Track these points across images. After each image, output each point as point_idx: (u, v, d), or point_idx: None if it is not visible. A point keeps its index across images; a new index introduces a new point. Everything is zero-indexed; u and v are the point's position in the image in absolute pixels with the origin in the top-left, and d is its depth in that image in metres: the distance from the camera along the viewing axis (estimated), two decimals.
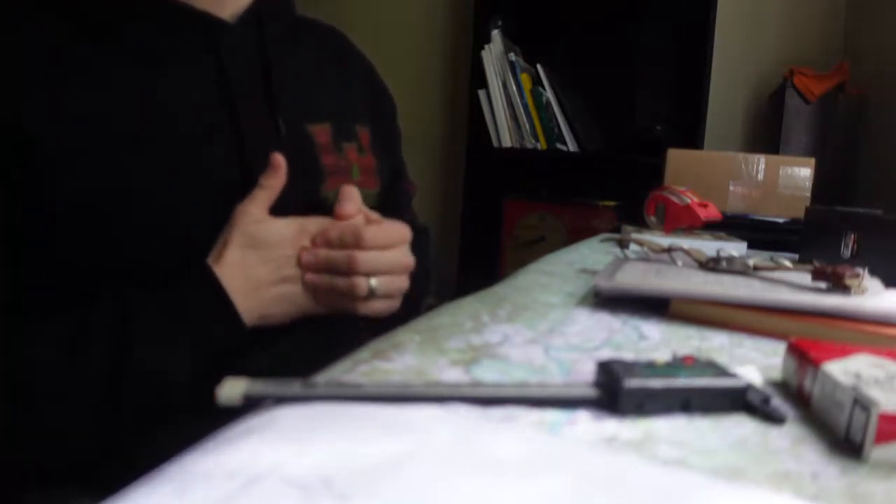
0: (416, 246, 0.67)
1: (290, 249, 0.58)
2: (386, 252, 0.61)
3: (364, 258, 0.59)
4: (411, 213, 0.87)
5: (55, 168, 0.53)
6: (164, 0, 0.60)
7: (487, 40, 2.03)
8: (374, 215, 0.63)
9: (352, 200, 0.61)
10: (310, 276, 0.59)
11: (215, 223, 0.58)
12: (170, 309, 0.53)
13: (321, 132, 0.68)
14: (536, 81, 2.03)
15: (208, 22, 0.62)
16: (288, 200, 0.61)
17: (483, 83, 2.04)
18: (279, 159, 0.58)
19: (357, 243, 0.59)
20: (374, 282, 0.60)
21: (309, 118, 0.67)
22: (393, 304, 0.64)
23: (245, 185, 0.59)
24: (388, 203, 0.74)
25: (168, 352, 0.52)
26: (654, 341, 0.48)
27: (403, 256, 0.63)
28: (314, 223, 0.59)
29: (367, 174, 0.72)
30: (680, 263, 0.70)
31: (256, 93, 0.64)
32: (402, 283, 0.63)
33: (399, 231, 0.63)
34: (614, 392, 0.34)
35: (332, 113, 0.70)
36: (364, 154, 0.72)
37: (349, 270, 0.59)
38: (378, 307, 0.62)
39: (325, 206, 0.64)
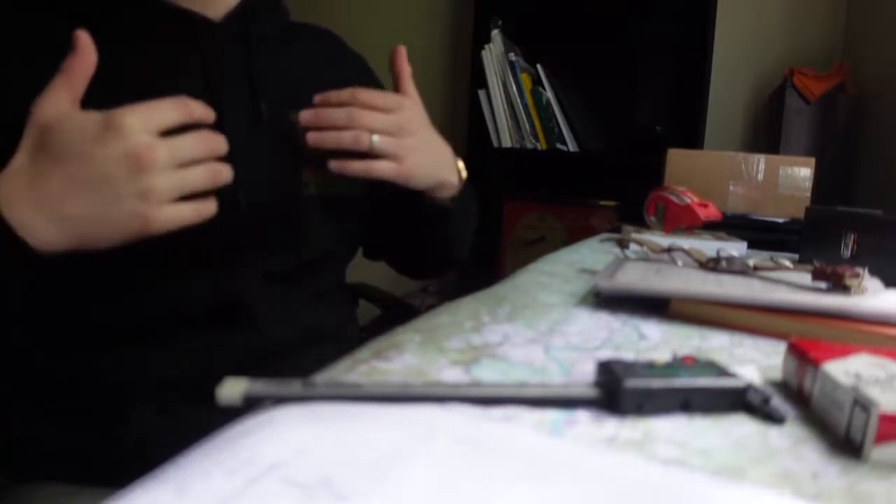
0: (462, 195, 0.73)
1: (96, 147, 0.48)
2: (385, 114, 0.63)
3: (362, 114, 0.62)
4: None
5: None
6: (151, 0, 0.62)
7: (487, 40, 2.03)
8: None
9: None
10: (313, 135, 0.62)
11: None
12: None
13: None
14: (536, 81, 2.02)
15: (193, 20, 0.63)
16: (265, 184, 0.63)
17: (483, 83, 2.03)
18: (82, 37, 0.51)
19: (353, 101, 0.62)
20: (375, 137, 0.62)
21: (293, 106, 0.68)
22: (404, 168, 0.65)
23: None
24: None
25: None
26: (654, 341, 0.48)
27: (401, 119, 0.65)
28: (125, 112, 0.49)
29: None
30: (680, 263, 0.70)
31: (239, 80, 0.65)
32: (407, 143, 0.65)
33: (395, 97, 0.66)
34: (614, 392, 0.33)
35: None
36: None
37: (349, 124, 0.61)
38: (386, 168, 0.64)
39: (303, 190, 0.66)
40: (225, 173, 0.54)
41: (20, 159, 0.49)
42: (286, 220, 0.65)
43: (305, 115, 0.62)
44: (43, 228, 0.48)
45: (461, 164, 0.76)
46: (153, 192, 0.48)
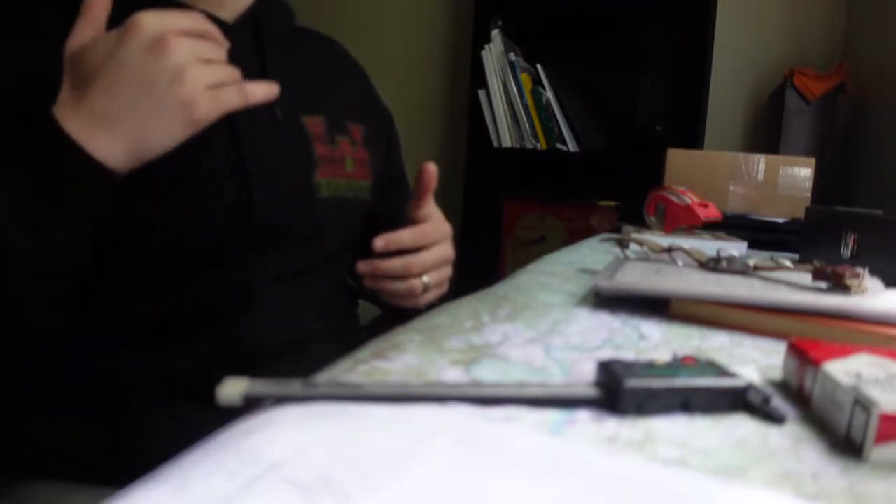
0: None
1: (119, 48, 0.49)
2: (433, 249, 0.67)
3: (417, 261, 0.66)
4: None
5: None
6: (167, 1, 0.61)
7: (487, 40, 2.03)
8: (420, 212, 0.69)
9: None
10: (370, 282, 0.66)
11: (209, 208, 0.59)
12: (26, 176, 0.49)
13: (315, 123, 0.70)
14: (536, 81, 2.02)
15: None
16: (280, 185, 0.64)
17: (483, 83, 2.03)
18: None
19: (414, 245, 0.65)
20: (426, 279, 0.67)
21: (304, 110, 0.69)
22: (441, 292, 0.72)
23: (240, 173, 0.61)
24: (395, 208, 0.76)
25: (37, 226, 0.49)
26: (654, 341, 0.48)
27: (447, 250, 0.70)
28: (139, 13, 0.50)
29: (360, 166, 0.74)
30: (680, 263, 0.70)
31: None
32: (448, 272, 0.72)
33: (443, 228, 0.70)
34: (614, 392, 0.33)
35: (326, 108, 0.72)
36: (356, 148, 0.74)
37: (406, 275, 0.65)
38: (429, 298, 0.70)
39: (316, 192, 0.67)
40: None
41: (64, 92, 0.51)
42: (299, 222, 0.66)
43: (363, 267, 0.65)
44: (102, 141, 0.49)
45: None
46: (184, 75, 0.49)
